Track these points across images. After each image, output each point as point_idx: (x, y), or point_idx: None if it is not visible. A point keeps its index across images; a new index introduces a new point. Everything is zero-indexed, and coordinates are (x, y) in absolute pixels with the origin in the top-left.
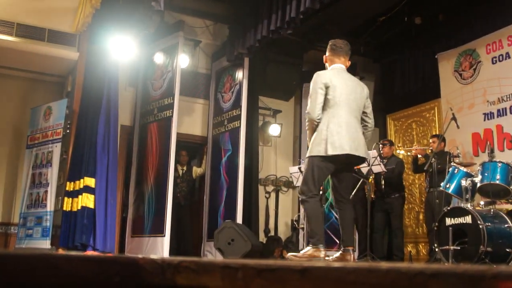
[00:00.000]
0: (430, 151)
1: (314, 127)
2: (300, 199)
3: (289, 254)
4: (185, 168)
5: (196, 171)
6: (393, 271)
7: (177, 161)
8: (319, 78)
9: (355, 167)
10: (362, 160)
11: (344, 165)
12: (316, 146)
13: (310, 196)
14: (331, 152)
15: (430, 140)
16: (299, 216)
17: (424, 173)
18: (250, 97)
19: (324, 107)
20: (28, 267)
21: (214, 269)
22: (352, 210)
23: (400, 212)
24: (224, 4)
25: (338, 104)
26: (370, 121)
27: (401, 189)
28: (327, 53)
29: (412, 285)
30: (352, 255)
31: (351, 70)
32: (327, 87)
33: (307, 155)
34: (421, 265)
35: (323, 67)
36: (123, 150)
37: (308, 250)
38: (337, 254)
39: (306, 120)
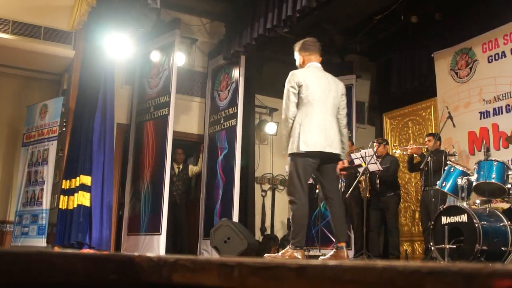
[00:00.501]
0: (425, 150)
1: (290, 126)
2: (288, 199)
3: (266, 254)
4: (181, 166)
5: (193, 169)
6: (389, 269)
7: (173, 160)
8: (292, 77)
9: (353, 166)
10: (336, 157)
11: (323, 162)
12: (291, 144)
13: (298, 198)
14: (303, 148)
15: (426, 139)
16: None
17: (419, 172)
18: (247, 95)
19: (298, 106)
20: (24, 265)
21: (210, 267)
22: (342, 205)
23: (395, 211)
24: (220, 2)
25: (311, 102)
26: (344, 118)
27: (396, 188)
28: (302, 53)
29: (408, 283)
30: (345, 252)
31: (348, 68)
32: (299, 86)
33: (288, 153)
34: (417, 263)
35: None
36: (119, 148)
37: (287, 251)
38: (331, 252)
39: (282, 120)
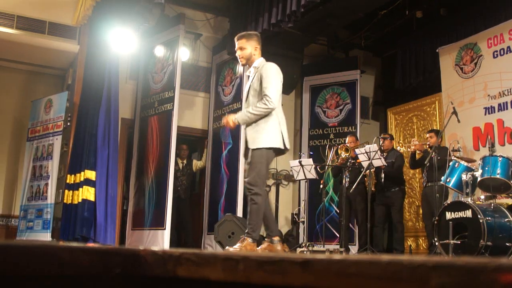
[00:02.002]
0: (427, 146)
1: (262, 115)
2: (251, 191)
3: (227, 247)
4: (185, 161)
5: (197, 164)
6: (394, 263)
7: (177, 155)
8: (279, 70)
9: (357, 161)
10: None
11: None
12: (266, 136)
13: (263, 190)
14: (281, 145)
15: (427, 135)
16: (299, 210)
17: (421, 168)
18: None
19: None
20: (30, 258)
21: (215, 261)
22: (268, 199)
23: (400, 206)
24: None
25: (280, 101)
26: None
27: (401, 183)
28: (257, 45)
29: (413, 277)
30: (281, 245)
31: (353, 63)
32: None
33: (259, 146)
34: (423, 258)
35: (323, 61)
36: (124, 143)
37: (247, 244)
38: (264, 245)
39: (263, 107)
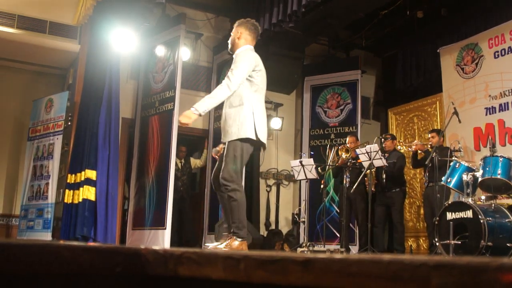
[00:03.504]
0: (429, 146)
1: (225, 99)
2: (228, 187)
3: (210, 245)
4: (183, 160)
5: (196, 163)
6: (396, 262)
7: (175, 155)
8: (253, 56)
9: (358, 161)
10: (264, 148)
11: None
12: (239, 128)
13: (241, 186)
14: (261, 137)
15: (429, 135)
16: (300, 210)
17: (423, 168)
18: None
19: (249, 89)
20: (31, 257)
21: (216, 260)
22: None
23: (401, 207)
24: None
25: (261, 90)
26: None
27: (402, 184)
28: (244, 31)
29: (414, 277)
30: (243, 243)
31: (353, 63)
32: (256, 70)
33: (231, 138)
34: (424, 257)
35: (324, 61)
36: (124, 143)
37: (233, 243)
38: (226, 242)
39: (220, 89)
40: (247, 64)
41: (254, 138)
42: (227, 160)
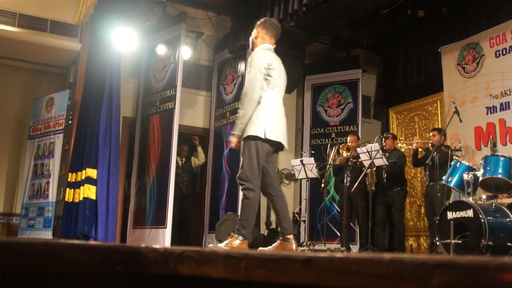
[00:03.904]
0: (430, 144)
1: (253, 109)
2: (243, 186)
3: (211, 244)
4: (184, 159)
5: (195, 161)
6: (396, 261)
7: (177, 153)
8: (263, 56)
9: (359, 160)
10: (282, 149)
11: (272, 152)
12: (255, 127)
13: (256, 185)
14: (269, 136)
15: (430, 134)
16: (300, 209)
17: (423, 167)
18: None
19: (265, 87)
20: (32, 255)
21: (216, 259)
22: (284, 196)
23: (401, 206)
24: None
25: (277, 86)
26: None
27: (403, 183)
28: (261, 30)
29: (415, 276)
30: (294, 243)
31: (354, 62)
32: (270, 68)
33: (245, 134)
34: (425, 256)
35: (325, 60)
36: (125, 142)
37: (234, 242)
38: (276, 243)
39: (246, 100)
40: (259, 68)
41: (262, 137)
42: (243, 159)
